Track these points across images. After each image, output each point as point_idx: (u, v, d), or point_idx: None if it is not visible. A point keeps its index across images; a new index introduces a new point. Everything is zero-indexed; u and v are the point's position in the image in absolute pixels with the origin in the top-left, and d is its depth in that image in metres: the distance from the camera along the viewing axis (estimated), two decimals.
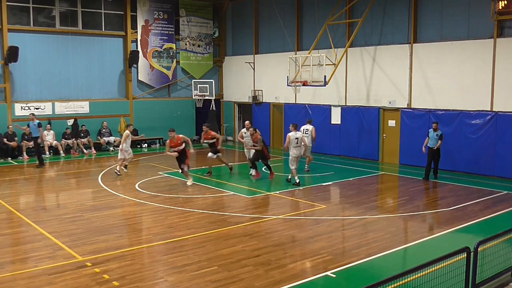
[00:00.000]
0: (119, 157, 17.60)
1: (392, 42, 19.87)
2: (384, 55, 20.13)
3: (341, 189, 15.66)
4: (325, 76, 19.26)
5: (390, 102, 19.99)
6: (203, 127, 17.67)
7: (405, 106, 19.48)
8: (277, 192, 14.81)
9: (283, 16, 24.23)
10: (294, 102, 23.83)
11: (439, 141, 16.32)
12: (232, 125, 27.69)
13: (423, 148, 16.68)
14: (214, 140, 17.33)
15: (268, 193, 14.80)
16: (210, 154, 17.47)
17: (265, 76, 25.39)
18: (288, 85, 21.01)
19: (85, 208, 13.07)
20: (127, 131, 17.70)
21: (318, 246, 9.91)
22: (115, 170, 17.54)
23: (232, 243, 10.05)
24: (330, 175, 17.46)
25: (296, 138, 15.67)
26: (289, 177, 16.14)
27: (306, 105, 23.11)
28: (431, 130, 16.56)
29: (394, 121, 19.96)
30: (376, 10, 20.16)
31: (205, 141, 17.54)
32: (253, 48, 26.03)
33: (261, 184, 16.53)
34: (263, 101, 25.52)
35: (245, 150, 18.09)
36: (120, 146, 17.46)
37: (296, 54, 22.06)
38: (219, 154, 17.57)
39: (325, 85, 19.57)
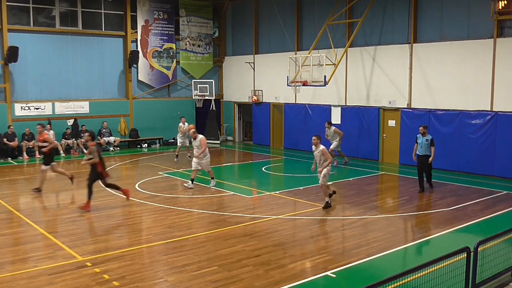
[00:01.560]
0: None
1: (392, 42, 19.87)
2: (384, 55, 20.13)
3: (341, 189, 15.64)
4: (325, 76, 19.26)
5: (390, 102, 19.99)
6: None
7: (405, 106, 19.49)
8: (277, 192, 14.81)
9: (283, 16, 24.24)
10: (294, 102, 23.83)
11: (432, 149, 14.39)
12: (232, 125, 27.68)
13: (414, 156, 14.94)
14: (46, 144, 14.55)
15: (268, 193, 14.79)
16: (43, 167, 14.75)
17: (265, 76, 25.39)
18: (288, 85, 21.01)
19: None
20: (180, 123, 20.26)
21: (318, 246, 9.92)
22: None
23: (232, 243, 10.05)
24: (330, 175, 17.42)
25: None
26: (328, 200, 13.05)
27: (306, 105, 23.11)
28: (419, 135, 14.63)
29: (394, 121, 19.96)
30: (376, 10, 20.16)
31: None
32: (253, 48, 26.03)
33: (261, 183, 16.54)
34: (263, 101, 25.52)
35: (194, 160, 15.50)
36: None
37: (296, 54, 22.07)
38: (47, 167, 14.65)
39: (325, 85, 19.58)
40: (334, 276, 8.36)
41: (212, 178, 15.52)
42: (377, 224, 11.58)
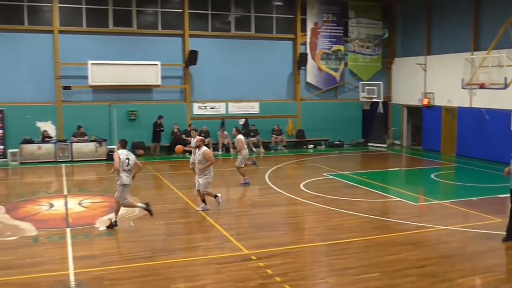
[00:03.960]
0: None
1: None
2: None
3: None
4: (505, 78, 17.78)
5: None
6: None
7: None
8: (447, 201, 13.94)
9: (458, 13, 22.79)
10: (469, 106, 22.25)
11: None
12: (400, 129, 26.76)
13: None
14: None
15: (437, 201, 14.00)
16: None
17: (437, 78, 24.10)
18: (462, 88, 19.80)
19: (252, 204, 13.69)
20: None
21: (491, 262, 9.12)
22: None
23: (395, 250, 9.71)
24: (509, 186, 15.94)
25: (127, 159, 10.81)
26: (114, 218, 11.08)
27: (483, 110, 21.43)
28: None
29: None
30: None
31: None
32: (424, 49, 24.88)
33: (430, 191, 15.75)
34: (434, 104, 24.25)
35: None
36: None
37: (472, 55, 20.63)
38: None
39: (505, 88, 18.06)
40: None
41: (203, 201, 12.81)
42: None
